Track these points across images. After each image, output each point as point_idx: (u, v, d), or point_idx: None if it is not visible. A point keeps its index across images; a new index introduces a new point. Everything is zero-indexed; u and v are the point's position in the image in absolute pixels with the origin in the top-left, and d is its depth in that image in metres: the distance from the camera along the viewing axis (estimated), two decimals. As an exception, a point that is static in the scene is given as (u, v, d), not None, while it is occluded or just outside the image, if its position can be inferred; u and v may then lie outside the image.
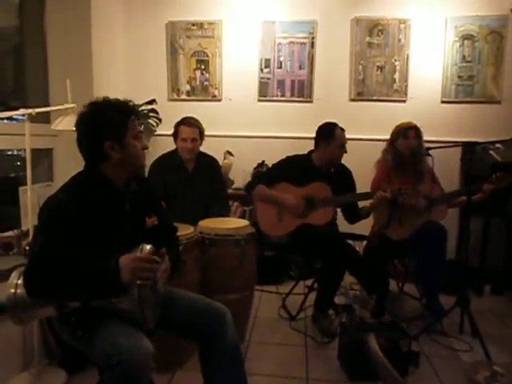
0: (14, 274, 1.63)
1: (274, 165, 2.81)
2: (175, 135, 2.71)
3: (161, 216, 1.65)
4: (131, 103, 1.48)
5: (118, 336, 1.30)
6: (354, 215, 2.77)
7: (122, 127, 1.42)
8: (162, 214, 1.68)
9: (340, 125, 2.69)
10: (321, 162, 2.69)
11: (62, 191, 1.42)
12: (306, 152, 2.77)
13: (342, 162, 2.76)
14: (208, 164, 2.82)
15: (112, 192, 1.47)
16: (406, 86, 3.64)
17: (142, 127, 3.32)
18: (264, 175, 2.93)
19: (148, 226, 1.57)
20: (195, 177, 2.73)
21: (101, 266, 1.28)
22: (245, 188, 2.83)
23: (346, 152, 2.68)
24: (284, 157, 2.76)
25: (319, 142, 2.69)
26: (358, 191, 2.76)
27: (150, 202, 1.63)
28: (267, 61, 3.73)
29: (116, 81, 3.53)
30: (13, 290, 1.57)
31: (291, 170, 2.66)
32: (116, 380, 1.23)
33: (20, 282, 1.58)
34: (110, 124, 1.41)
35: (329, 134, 2.64)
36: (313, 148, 2.75)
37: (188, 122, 2.70)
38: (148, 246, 1.35)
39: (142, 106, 3.49)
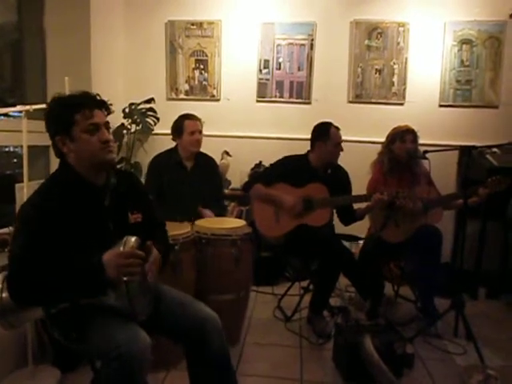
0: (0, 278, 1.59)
1: (271, 165, 2.80)
2: (179, 131, 2.72)
3: (146, 212, 1.59)
4: (89, 96, 1.43)
5: (114, 330, 1.30)
6: (348, 217, 2.78)
7: (67, 121, 1.38)
8: (148, 210, 1.63)
9: (338, 126, 2.70)
10: (317, 162, 2.69)
11: (36, 193, 1.40)
12: (284, 155, 2.76)
13: (339, 163, 2.77)
14: (206, 163, 2.85)
15: (87, 187, 1.44)
16: (405, 90, 3.65)
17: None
18: (261, 175, 2.91)
19: (130, 222, 1.53)
20: (194, 175, 2.75)
21: (84, 266, 1.27)
22: (242, 187, 2.83)
23: (342, 150, 2.68)
24: (281, 157, 2.76)
25: (315, 141, 2.68)
26: (355, 193, 2.76)
27: (134, 198, 1.58)
28: (266, 62, 3.73)
29: (114, 79, 3.52)
30: None
31: (288, 170, 2.65)
32: (115, 373, 1.23)
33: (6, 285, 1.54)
34: (53, 120, 1.42)
35: (324, 134, 2.64)
36: (308, 149, 2.75)
37: (191, 115, 2.77)
38: (133, 239, 1.33)
39: (140, 104, 3.49)
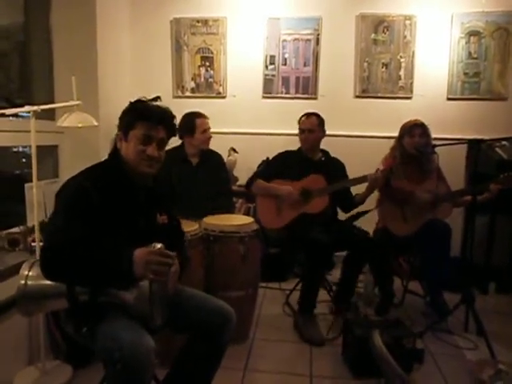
0: (25, 266, 1.62)
1: (268, 162, 2.91)
2: (191, 130, 2.73)
3: (171, 216, 1.66)
4: (163, 113, 1.52)
5: (120, 332, 1.30)
6: (348, 203, 2.80)
7: (128, 124, 1.48)
8: (172, 214, 1.70)
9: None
10: (304, 150, 2.79)
11: (81, 174, 1.47)
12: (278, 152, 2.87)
13: (340, 157, 2.84)
14: (212, 159, 2.86)
15: (127, 182, 1.50)
16: (412, 83, 3.62)
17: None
18: (261, 172, 2.96)
19: (158, 222, 1.58)
20: (200, 171, 2.77)
21: (115, 256, 1.30)
22: (245, 185, 2.87)
23: (308, 138, 2.75)
24: (276, 153, 2.86)
25: None
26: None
27: (164, 201, 1.67)
28: (272, 57, 3.72)
29: (121, 77, 3.53)
30: (23, 282, 1.56)
31: (285, 164, 2.75)
32: (118, 375, 1.24)
33: (31, 273, 1.57)
34: (122, 116, 1.52)
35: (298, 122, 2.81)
36: None
37: (200, 113, 2.79)
38: (159, 245, 1.34)
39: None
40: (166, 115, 1.53)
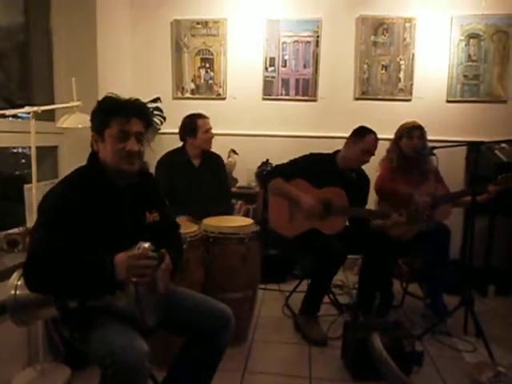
0: (15, 275, 1.60)
1: (296, 159, 2.68)
2: (193, 131, 2.73)
3: (162, 212, 1.62)
4: (135, 105, 1.45)
5: (112, 336, 1.29)
6: (362, 228, 2.67)
7: (102, 123, 1.42)
8: (164, 210, 1.65)
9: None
10: (342, 162, 2.63)
11: (60, 184, 1.43)
12: (310, 152, 2.72)
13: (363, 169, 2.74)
14: (213, 160, 2.88)
15: (109, 186, 1.46)
16: (412, 86, 3.63)
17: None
18: (283, 168, 2.72)
19: (148, 221, 1.54)
20: (201, 173, 2.78)
21: (96, 264, 1.28)
22: (261, 178, 2.79)
23: (367, 161, 2.61)
24: (308, 153, 2.69)
25: (348, 139, 2.63)
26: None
27: (152, 197, 1.60)
28: (272, 59, 3.72)
29: (121, 79, 3.53)
30: (13, 292, 1.55)
31: (312, 168, 2.58)
32: (111, 380, 1.23)
33: (20, 283, 1.55)
34: (93, 117, 1.46)
35: (360, 135, 2.58)
36: (336, 149, 2.71)
37: (201, 114, 2.80)
38: (146, 244, 1.32)
39: (146, 104, 3.50)
40: (137, 106, 1.46)
